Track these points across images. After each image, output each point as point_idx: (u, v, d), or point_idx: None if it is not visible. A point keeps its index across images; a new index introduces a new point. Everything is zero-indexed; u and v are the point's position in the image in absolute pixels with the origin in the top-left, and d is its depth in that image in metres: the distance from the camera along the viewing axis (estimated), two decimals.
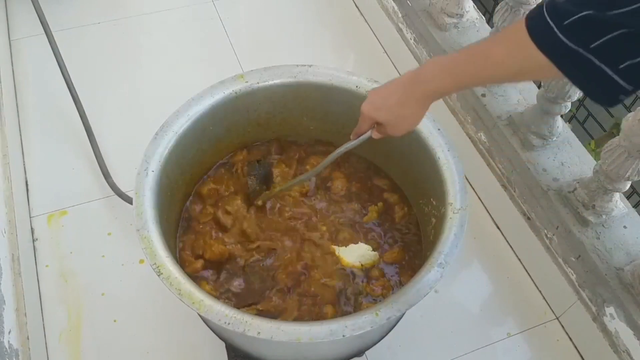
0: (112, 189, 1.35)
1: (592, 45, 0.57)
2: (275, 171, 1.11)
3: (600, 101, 0.62)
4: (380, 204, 1.09)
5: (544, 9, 0.61)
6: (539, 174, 1.21)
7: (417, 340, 1.20)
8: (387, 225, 1.08)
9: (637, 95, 1.73)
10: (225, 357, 1.14)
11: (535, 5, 0.65)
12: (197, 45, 1.75)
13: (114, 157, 1.43)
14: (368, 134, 0.89)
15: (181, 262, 1.00)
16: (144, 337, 1.18)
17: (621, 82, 0.58)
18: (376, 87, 0.89)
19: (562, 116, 1.23)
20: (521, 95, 1.32)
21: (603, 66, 0.58)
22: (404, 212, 1.09)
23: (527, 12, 1.29)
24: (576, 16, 0.57)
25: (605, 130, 1.85)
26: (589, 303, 1.16)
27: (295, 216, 1.06)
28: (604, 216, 1.12)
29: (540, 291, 1.30)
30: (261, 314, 0.94)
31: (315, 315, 0.95)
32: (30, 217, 1.34)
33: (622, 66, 0.57)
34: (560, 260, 1.22)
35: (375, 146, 1.11)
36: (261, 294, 0.97)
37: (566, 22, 0.58)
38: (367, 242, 1.04)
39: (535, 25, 0.62)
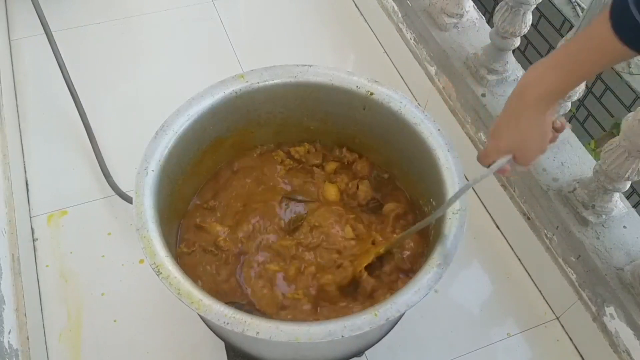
0: (112, 189, 1.35)
1: None
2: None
3: None
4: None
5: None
6: (538, 174, 1.21)
7: (417, 340, 1.20)
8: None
9: (637, 95, 1.73)
10: (225, 357, 1.14)
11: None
12: (197, 45, 1.75)
13: (114, 157, 1.43)
14: (503, 161, 0.77)
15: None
16: (144, 337, 1.18)
17: None
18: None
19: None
20: None
21: None
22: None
23: (527, 12, 1.28)
24: None
25: (605, 130, 1.85)
26: (589, 303, 1.16)
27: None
28: (603, 216, 1.12)
29: (540, 291, 1.30)
30: None
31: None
32: (30, 217, 1.34)
33: None
34: (560, 260, 1.21)
35: (375, 147, 1.12)
36: None
37: None
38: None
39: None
